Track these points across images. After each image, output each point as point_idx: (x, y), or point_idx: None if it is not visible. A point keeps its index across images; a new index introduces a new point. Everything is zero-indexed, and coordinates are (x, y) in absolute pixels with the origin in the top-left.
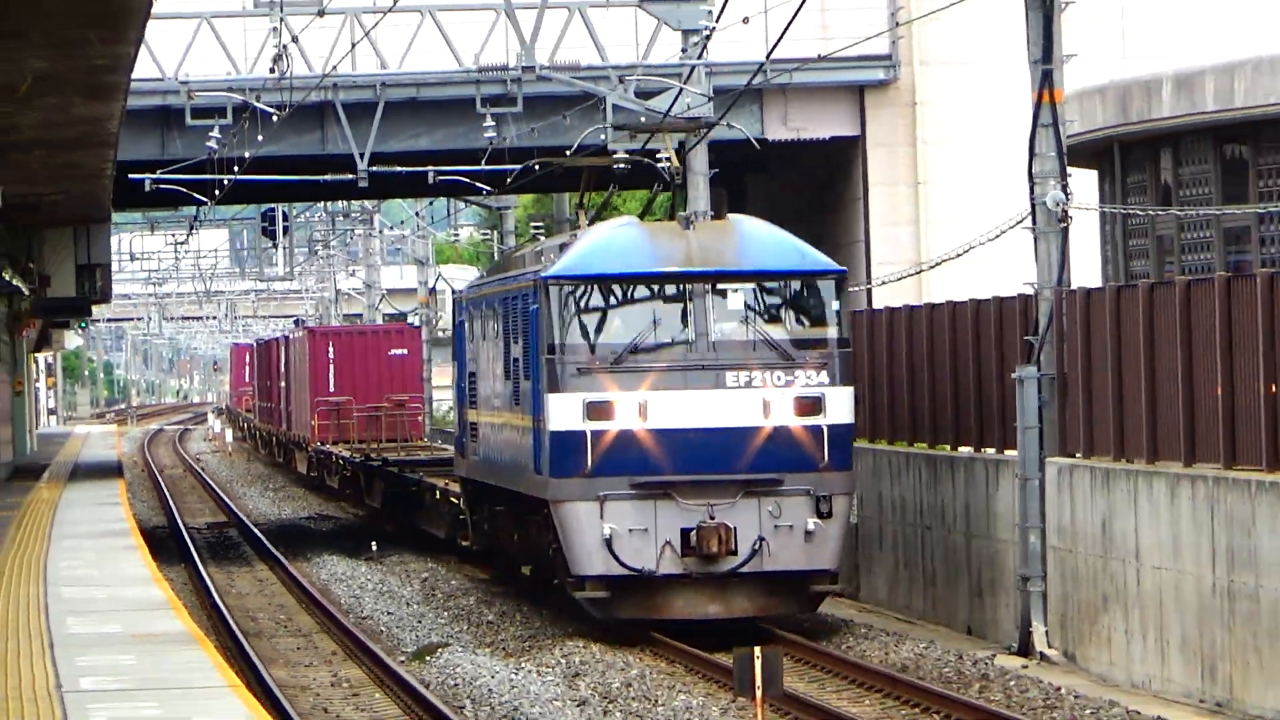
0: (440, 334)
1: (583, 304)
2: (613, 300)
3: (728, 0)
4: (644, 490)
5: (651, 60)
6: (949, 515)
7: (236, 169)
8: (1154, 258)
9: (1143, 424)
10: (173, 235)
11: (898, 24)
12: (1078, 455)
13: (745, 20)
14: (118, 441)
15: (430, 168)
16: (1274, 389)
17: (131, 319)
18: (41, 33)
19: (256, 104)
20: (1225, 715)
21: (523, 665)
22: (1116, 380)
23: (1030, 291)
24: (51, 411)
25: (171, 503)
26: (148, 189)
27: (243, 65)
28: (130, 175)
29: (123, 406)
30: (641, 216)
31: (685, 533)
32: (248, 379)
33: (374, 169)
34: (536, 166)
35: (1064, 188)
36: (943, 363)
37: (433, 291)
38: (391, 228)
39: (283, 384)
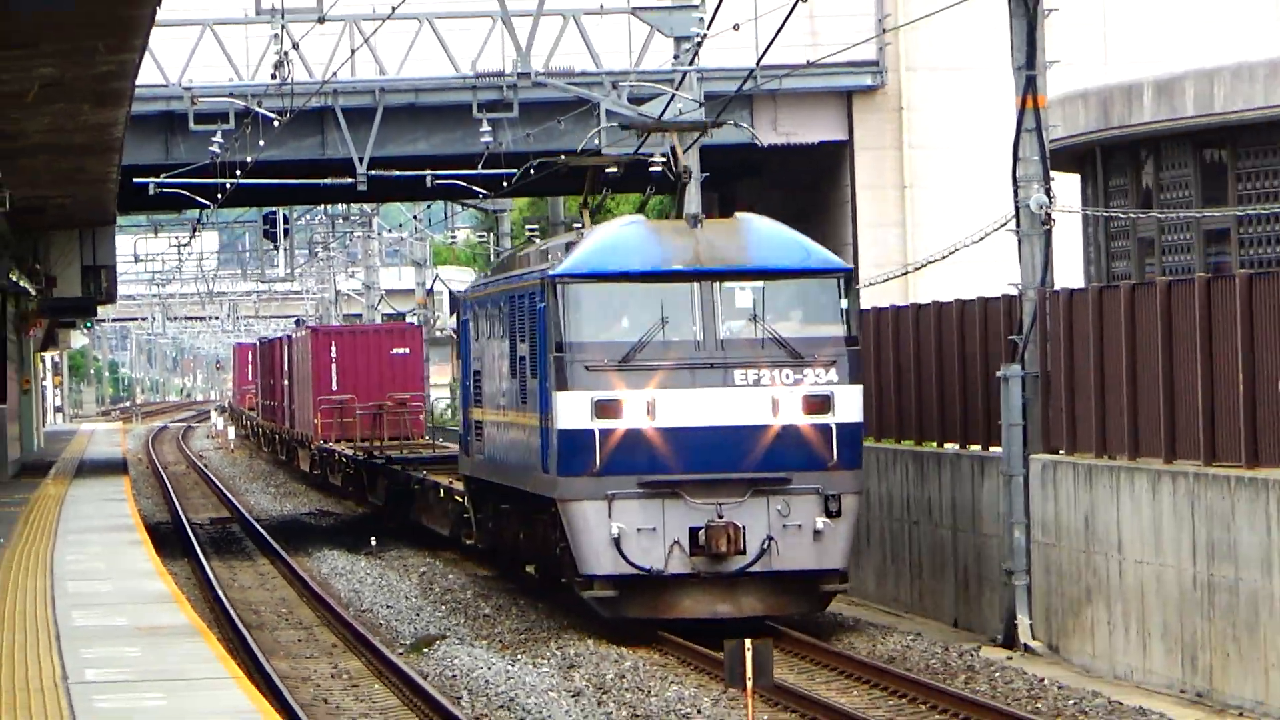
0: (438, 334)
1: (591, 302)
2: (621, 298)
3: (719, 8)
4: (652, 489)
5: (644, 66)
6: (936, 510)
7: (239, 173)
8: (1135, 259)
9: (1124, 421)
10: (176, 237)
11: (885, 31)
12: (1061, 452)
13: (736, 27)
14: (122, 439)
15: (428, 171)
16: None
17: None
18: (49, 41)
19: (258, 109)
20: (1205, 705)
21: (519, 657)
22: (1099, 379)
23: (1014, 292)
24: (58, 409)
25: (175, 498)
26: (152, 192)
27: (245, 71)
28: (135, 179)
29: (127, 404)
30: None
31: (694, 532)
32: (251, 378)
33: (373, 173)
34: (533, 169)
35: (1047, 191)
36: (929, 362)
37: (430, 292)
38: (390, 230)
39: (286, 382)
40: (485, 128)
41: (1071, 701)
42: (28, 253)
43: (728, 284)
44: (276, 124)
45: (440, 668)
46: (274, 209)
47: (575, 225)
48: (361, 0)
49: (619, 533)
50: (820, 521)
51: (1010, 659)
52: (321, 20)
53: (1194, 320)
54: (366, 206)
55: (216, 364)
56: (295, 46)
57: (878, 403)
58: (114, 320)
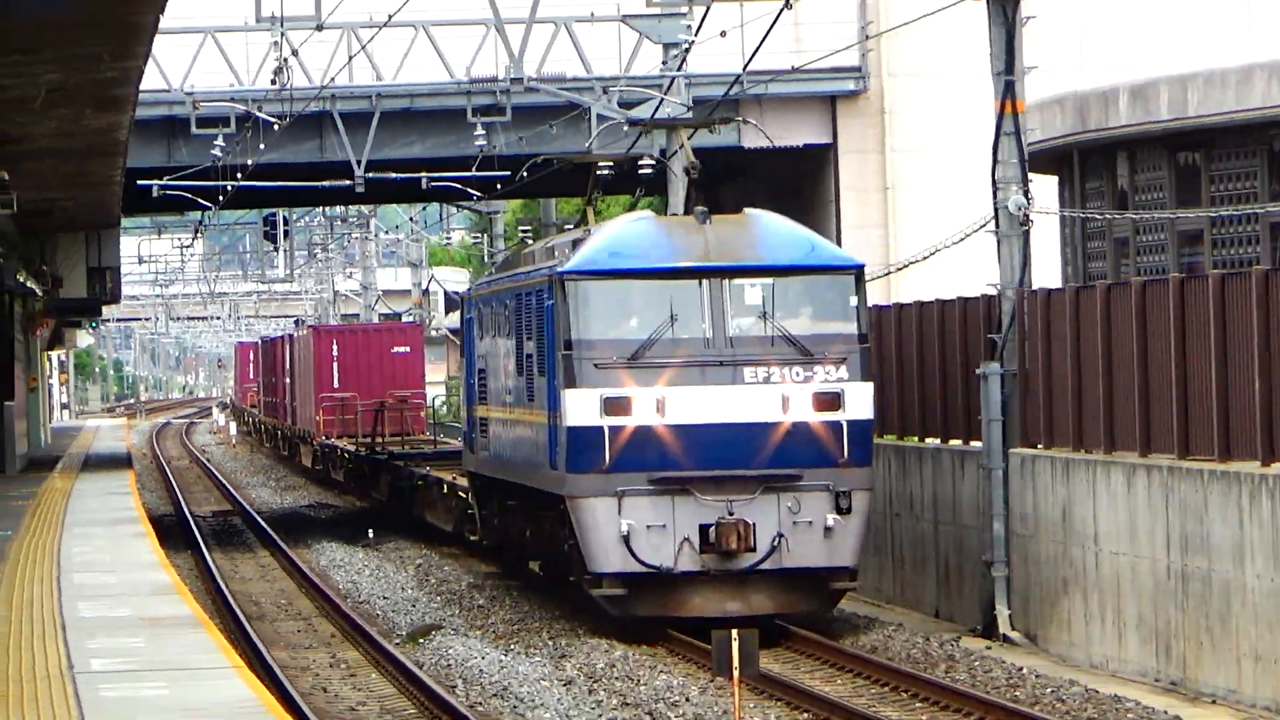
0: (433, 333)
1: (599, 299)
2: (630, 295)
3: (706, 15)
4: (662, 486)
5: (634, 72)
6: (917, 503)
7: (239, 176)
8: (1111, 259)
9: (1101, 416)
10: (179, 239)
11: (868, 37)
12: (1039, 446)
13: (723, 34)
14: (127, 434)
15: (423, 174)
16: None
17: (140, 319)
18: (55, 48)
19: (258, 114)
20: (1179, 693)
21: (512, 647)
22: (1076, 375)
23: (993, 292)
24: (64, 406)
25: (178, 492)
26: (155, 195)
27: (245, 77)
28: (139, 182)
29: (132, 401)
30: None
31: (704, 529)
32: (252, 375)
33: (370, 175)
34: (537, 164)
35: (1025, 193)
36: (911, 359)
37: (426, 292)
38: (387, 232)
39: (288, 380)
40: (479, 132)
41: (1049, 690)
42: (34, 254)
43: (737, 281)
44: (276, 128)
45: (436, 657)
46: (274, 211)
47: (567, 226)
48: (359, 8)
49: (628, 530)
50: (831, 519)
51: (989, 649)
52: (320, 28)
53: (1168, 319)
54: (364, 208)
55: (218, 362)
56: (294, 53)
57: None
58: (118, 320)
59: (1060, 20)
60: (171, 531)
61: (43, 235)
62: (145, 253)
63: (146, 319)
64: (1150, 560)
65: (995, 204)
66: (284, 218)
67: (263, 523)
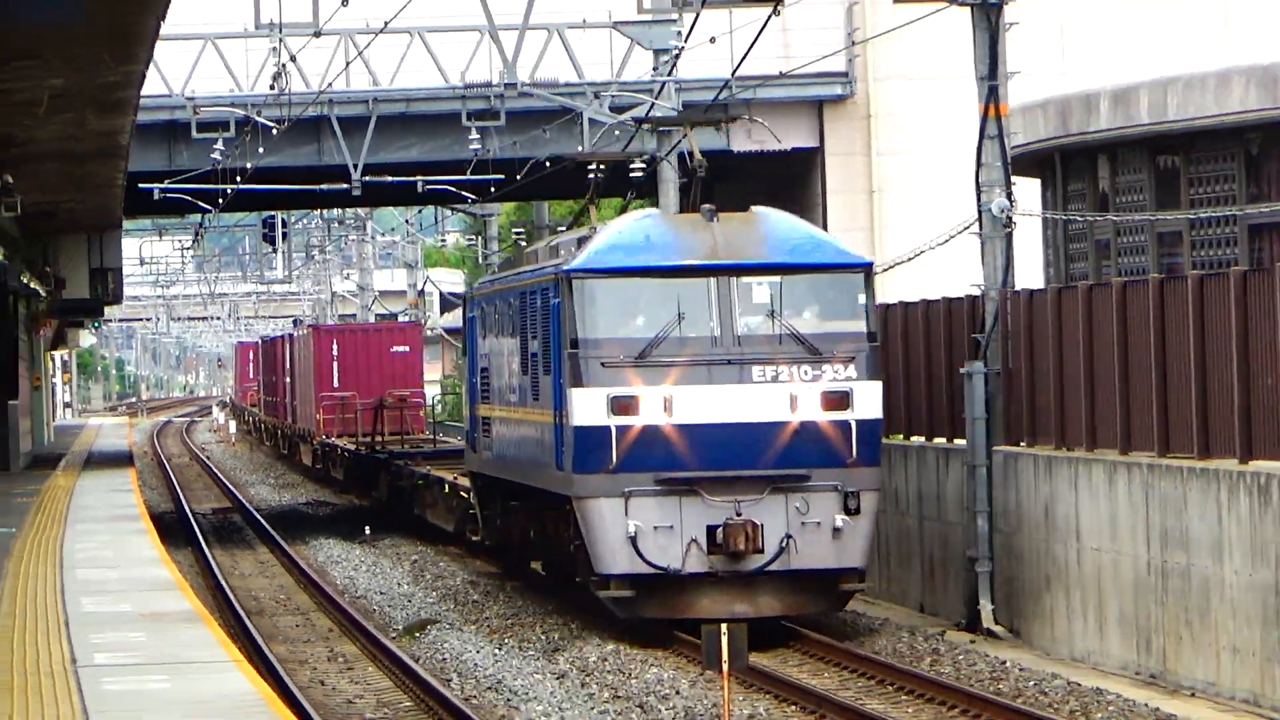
0: (428, 333)
1: (606, 297)
2: (636, 293)
3: (696, 21)
4: (669, 486)
5: (625, 77)
6: (902, 500)
7: (239, 179)
8: (1092, 260)
9: (1082, 415)
10: (179, 241)
11: (854, 43)
12: (1022, 444)
13: (712, 40)
14: (129, 433)
15: (419, 178)
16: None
17: (141, 319)
18: (59, 54)
19: (257, 118)
20: (1159, 686)
21: (506, 641)
22: (1058, 374)
23: (977, 292)
24: (67, 405)
25: (179, 489)
26: (156, 198)
27: (244, 82)
28: (140, 185)
29: (133, 400)
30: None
31: (711, 530)
32: (252, 375)
33: (367, 179)
34: (514, 173)
35: (1009, 195)
36: (897, 359)
37: (421, 293)
38: (383, 234)
39: (288, 379)
40: (474, 136)
41: (1032, 683)
42: (38, 256)
43: (745, 279)
44: (275, 132)
45: (431, 651)
46: (273, 213)
47: (560, 228)
48: (356, 14)
49: (635, 531)
50: (839, 519)
51: (973, 642)
52: (318, 34)
53: (1148, 319)
54: (361, 211)
55: (218, 362)
56: (293, 59)
57: None
58: (120, 320)
59: (1042, 26)
60: (172, 528)
61: (46, 237)
62: (146, 254)
63: (148, 319)
64: (1131, 556)
65: (979, 206)
66: (282, 220)
67: (262, 520)
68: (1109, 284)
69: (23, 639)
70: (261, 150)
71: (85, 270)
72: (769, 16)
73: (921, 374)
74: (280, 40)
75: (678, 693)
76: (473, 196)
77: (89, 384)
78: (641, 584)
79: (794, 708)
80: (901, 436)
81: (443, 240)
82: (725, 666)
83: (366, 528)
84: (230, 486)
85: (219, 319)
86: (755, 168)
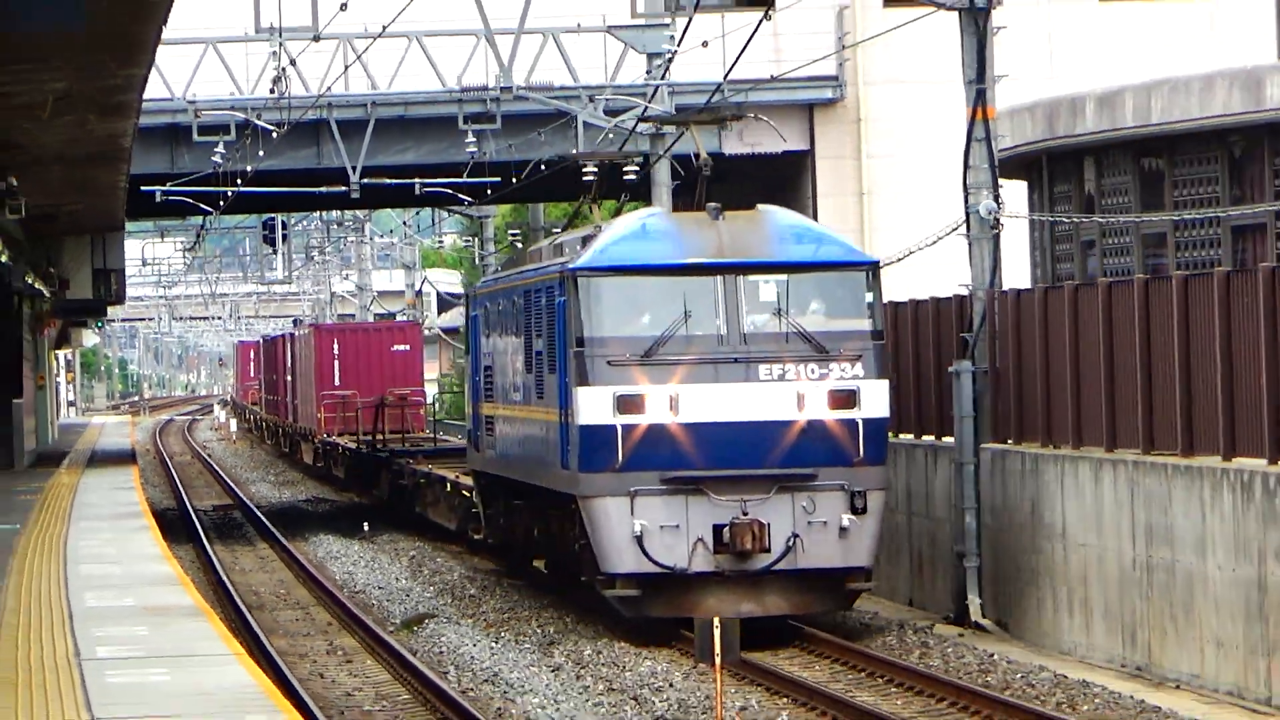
0: (426, 332)
1: (612, 296)
2: (642, 292)
3: (689, 26)
4: (675, 485)
5: (619, 81)
6: (892, 497)
7: (239, 181)
8: (1079, 261)
9: (1068, 413)
10: (181, 242)
11: (844, 48)
12: (1009, 441)
13: (704, 44)
14: (131, 431)
15: (417, 180)
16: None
17: (143, 319)
18: (62, 58)
19: (258, 122)
20: (1144, 678)
21: (502, 635)
22: (1044, 373)
23: (965, 292)
24: (71, 404)
25: (181, 487)
26: (158, 200)
27: (245, 86)
28: (142, 187)
29: (136, 399)
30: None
31: (718, 529)
32: (253, 374)
33: (365, 181)
34: (509, 175)
35: (996, 197)
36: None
37: (419, 293)
38: (381, 235)
39: (289, 378)
40: (470, 139)
41: (1019, 675)
42: (42, 257)
43: (751, 277)
44: (275, 135)
45: (429, 645)
46: (273, 215)
47: (555, 229)
48: (354, 20)
49: (641, 530)
50: (846, 518)
51: (961, 636)
52: (317, 38)
53: (1133, 319)
54: (359, 213)
55: (219, 361)
56: (292, 63)
57: None
58: (123, 320)
59: (1030, 30)
60: (174, 525)
61: (50, 239)
62: (149, 255)
63: (150, 319)
64: (1116, 551)
65: (967, 208)
66: (282, 222)
67: (262, 516)
68: (1094, 284)
69: (27, 633)
70: (262, 153)
71: (89, 271)
72: (760, 21)
73: (910, 373)
74: (280, 45)
75: (671, 685)
76: (469, 199)
77: (92, 383)
78: (647, 583)
79: (786, 700)
80: (891, 434)
81: (440, 241)
82: (718, 659)
83: (365, 524)
84: (231, 484)
85: (220, 319)
86: (747, 170)
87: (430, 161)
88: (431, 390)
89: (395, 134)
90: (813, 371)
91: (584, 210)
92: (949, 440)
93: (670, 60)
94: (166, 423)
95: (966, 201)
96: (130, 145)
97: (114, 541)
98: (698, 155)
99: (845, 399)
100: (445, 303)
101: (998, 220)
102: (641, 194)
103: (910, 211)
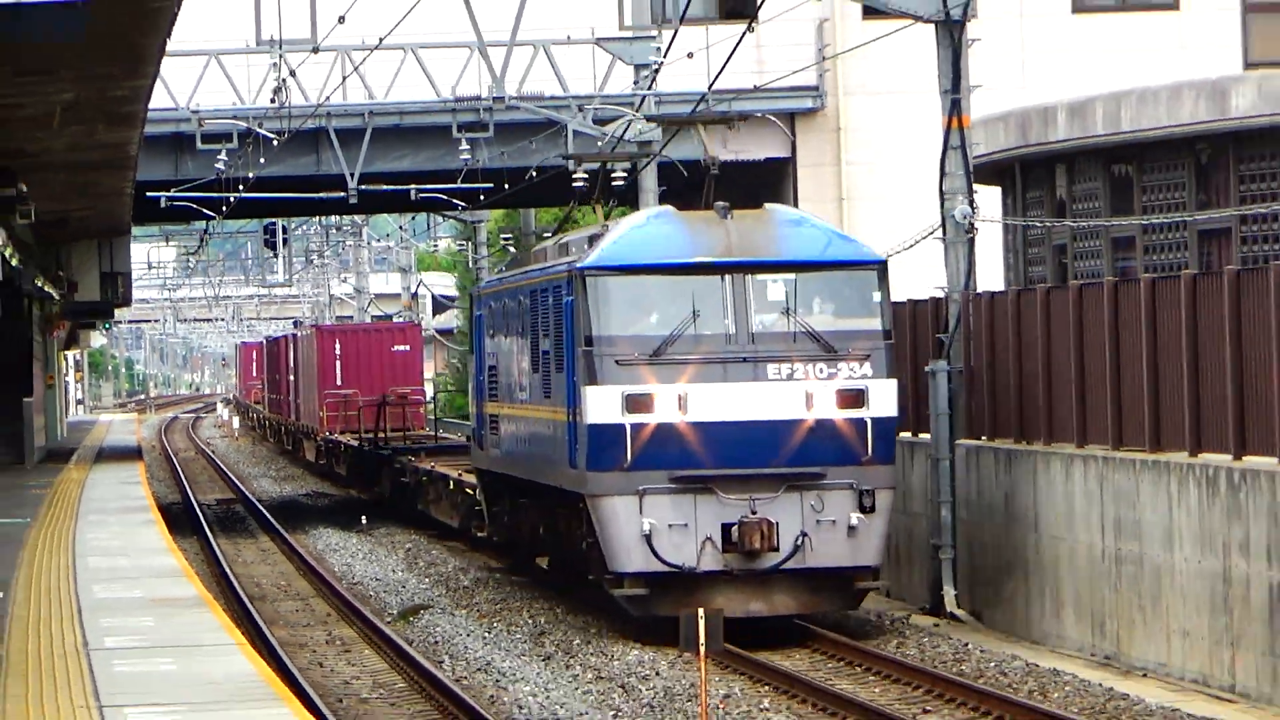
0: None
1: (620, 295)
2: (651, 291)
3: (674, 38)
4: (684, 484)
5: (607, 91)
6: None
7: (241, 188)
8: (1050, 264)
9: (1040, 410)
10: (185, 246)
11: (824, 59)
12: (983, 438)
13: (690, 56)
14: (137, 428)
15: (412, 186)
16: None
17: (149, 320)
18: (70, 70)
19: (259, 130)
20: (1113, 667)
21: (495, 626)
22: (1017, 372)
23: (941, 295)
24: (79, 402)
25: (185, 482)
26: (163, 205)
27: (247, 96)
28: (148, 193)
29: (142, 397)
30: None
31: (726, 528)
32: (255, 373)
33: (363, 187)
34: (502, 182)
35: (971, 203)
36: None
37: (415, 295)
38: (378, 239)
39: (292, 377)
40: (464, 147)
41: (993, 664)
42: (51, 261)
43: (760, 276)
44: (275, 144)
45: (424, 635)
46: (274, 220)
47: (545, 234)
48: (352, 32)
49: (650, 529)
50: (854, 517)
51: (937, 626)
52: (316, 50)
53: (1103, 320)
54: (357, 218)
55: (222, 361)
56: (292, 74)
57: None
58: (129, 322)
59: (1003, 42)
60: (179, 519)
61: (59, 243)
62: (154, 259)
63: (155, 320)
64: (1086, 544)
65: (943, 213)
66: (283, 226)
67: (264, 510)
68: (1066, 287)
69: (37, 624)
70: (263, 160)
71: (96, 274)
72: (744, 33)
73: None
74: (280, 56)
75: (657, 673)
76: (463, 204)
77: (100, 382)
78: (656, 582)
79: (767, 687)
80: None
81: (435, 245)
82: (702, 648)
83: (363, 518)
84: (234, 479)
85: (223, 320)
86: (731, 177)
87: (425, 168)
88: (427, 389)
89: (392, 142)
90: (821, 371)
91: (574, 215)
92: (925, 437)
93: (657, 71)
94: (171, 420)
95: (942, 207)
96: (136, 153)
97: (121, 535)
98: (707, 154)
99: (854, 398)
100: (440, 304)
101: (972, 225)
102: (629, 200)
103: (888, 217)
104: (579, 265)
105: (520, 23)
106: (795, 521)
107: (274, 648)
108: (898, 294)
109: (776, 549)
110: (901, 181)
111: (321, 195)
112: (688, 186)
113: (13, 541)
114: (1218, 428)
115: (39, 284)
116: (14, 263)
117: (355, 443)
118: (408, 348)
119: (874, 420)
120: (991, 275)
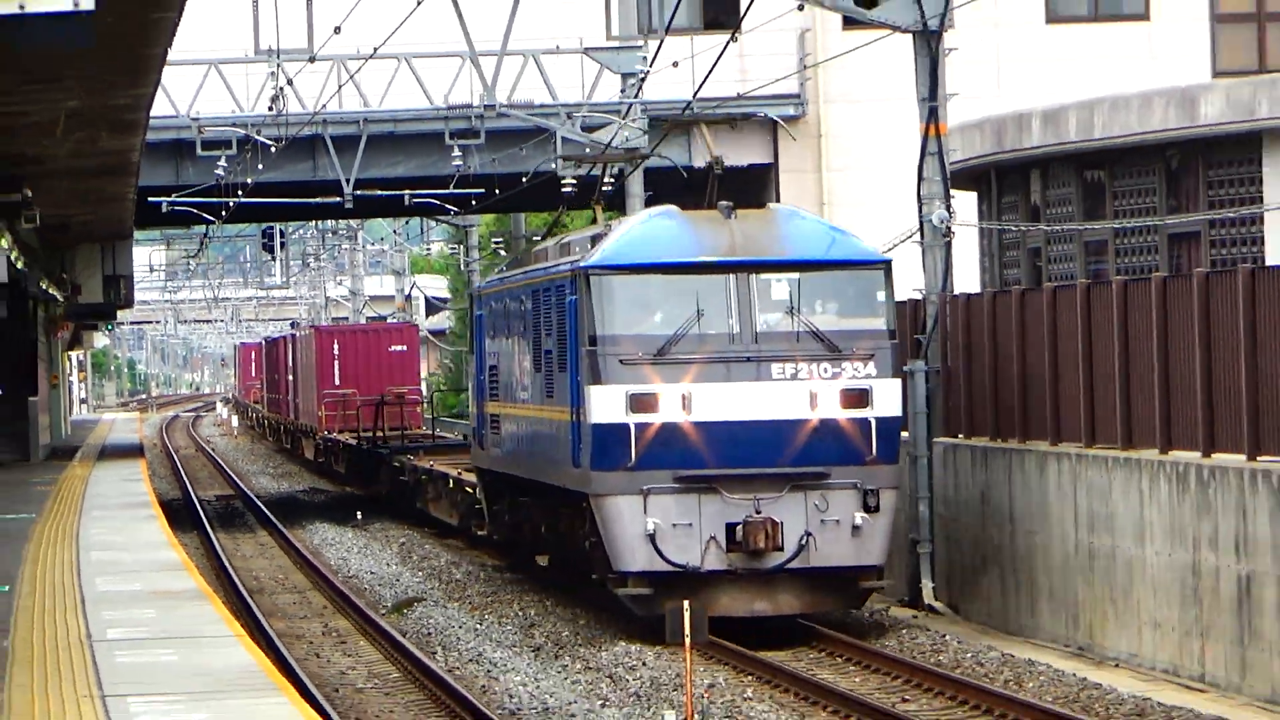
0: None
1: (624, 294)
2: (654, 290)
3: (660, 47)
4: (688, 484)
5: (595, 99)
6: None
7: (240, 193)
8: (1025, 267)
9: (1015, 409)
10: (185, 250)
11: (806, 68)
12: (960, 436)
13: (675, 64)
14: (139, 427)
15: (406, 191)
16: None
17: (151, 321)
18: (74, 78)
19: (257, 137)
20: (1086, 657)
21: (486, 618)
22: (993, 372)
23: (919, 296)
24: (82, 401)
25: (186, 478)
26: (164, 210)
27: (245, 104)
28: (149, 198)
29: (143, 397)
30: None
31: (730, 527)
32: (254, 373)
33: (358, 193)
34: (493, 187)
35: (948, 207)
36: None
37: (408, 297)
38: (373, 243)
39: (290, 377)
40: (456, 153)
41: (969, 655)
42: (55, 264)
43: (764, 276)
44: (273, 150)
45: (418, 627)
46: (271, 224)
47: (535, 237)
48: (348, 42)
49: (654, 528)
50: (859, 517)
51: (916, 618)
52: (312, 60)
53: (1075, 321)
54: (352, 222)
55: (222, 361)
56: (289, 82)
57: None
58: (131, 323)
59: (979, 51)
60: (179, 514)
61: (63, 247)
62: (155, 262)
63: (157, 322)
64: (1061, 538)
65: (920, 217)
66: (280, 230)
67: (262, 506)
68: (1039, 289)
69: (42, 616)
70: (261, 166)
71: (99, 277)
72: (727, 43)
73: None
74: (278, 65)
75: (644, 664)
76: (455, 209)
77: (103, 382)
78: (660, 582)
79: (750, 677)
80: None
81: (428, 249)
82: (687, 640)
83: (359, 513)
84: (233, 476)
85: (222, 321)
86: (715, 183)
87: (419, 174)
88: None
89: (386, 149)
90: (825, 370)
91: (563, 219)
92: (904, 435)
93: (643, 79)
94: (172, 419)
95: (920, 211)
96: (138, 159)
97: (123, 530)
98: (710, 155)
99: (858, 398)
100: (432, 306)
101: (949, 229)
102: (616, 205)
103: (868, 221)
104: (583, 264)
105: (511, 33)
106: (799, 521)
107: (272, 639)
108: None
109: (781, 549)
110: (881, 187)
111: (318, 200)
112: (684, 188)
113: (18, 536)
114: (1188, 426)
115: (43, 286)
116: (19, 266)
117: (354, 441)
118: (404, 348)
119: (878, 420)
120: (968, 278)
